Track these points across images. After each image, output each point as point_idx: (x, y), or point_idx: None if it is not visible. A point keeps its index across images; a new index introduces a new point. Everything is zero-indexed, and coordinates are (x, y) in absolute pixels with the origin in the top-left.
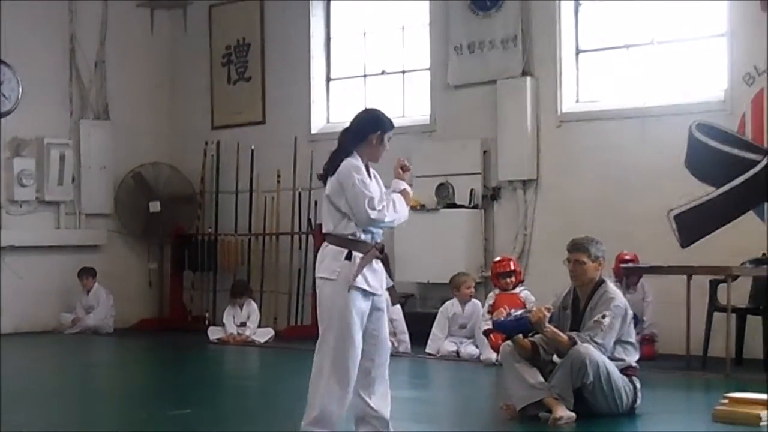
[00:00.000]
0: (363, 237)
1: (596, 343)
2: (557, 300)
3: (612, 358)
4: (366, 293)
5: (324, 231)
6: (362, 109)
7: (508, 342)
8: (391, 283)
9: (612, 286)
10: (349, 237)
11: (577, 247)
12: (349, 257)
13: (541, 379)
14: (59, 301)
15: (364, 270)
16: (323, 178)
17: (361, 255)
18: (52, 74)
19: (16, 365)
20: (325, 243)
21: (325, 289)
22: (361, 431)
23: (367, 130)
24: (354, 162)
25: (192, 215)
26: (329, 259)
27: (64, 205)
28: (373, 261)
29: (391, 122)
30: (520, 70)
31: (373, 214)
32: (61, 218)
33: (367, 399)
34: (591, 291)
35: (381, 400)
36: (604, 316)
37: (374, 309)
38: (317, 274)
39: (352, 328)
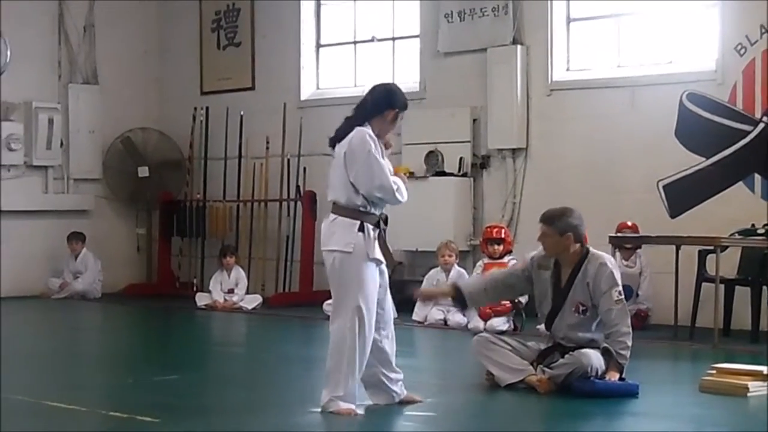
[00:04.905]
0: (372, 209)
1: (628, 346)
2: (536, 255)
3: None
4: (377, 264)
5: (332, 199)
6: (382, 82)
7: (480, 335)
8: (391, 251)
9: (605, 257)
10: (360, 209)
11: (543, 218)
12: (361, 229)
13: (518, 359)
14: (47, 266)
15: (375, 241)
16: (332, 143)
17: (372, 226)
18: (40, 38)
19: (4, 330)
20: (333, 215)
21: (342, 263)
22: (375, 400)
23: (384, 106)
24: (369, 131)
25: (180, 181)
26: (341, 232)
27: (53, 169)
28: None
29: (406, 102)
30: (510, 38)
31: (386, 183)
32: (49, 183)
33: (381, 368)
34: (576, 262)
35: (392, 368)
36: (620, 300)
37: (380, 279)
38: (328, 247)
39: (372, 300)
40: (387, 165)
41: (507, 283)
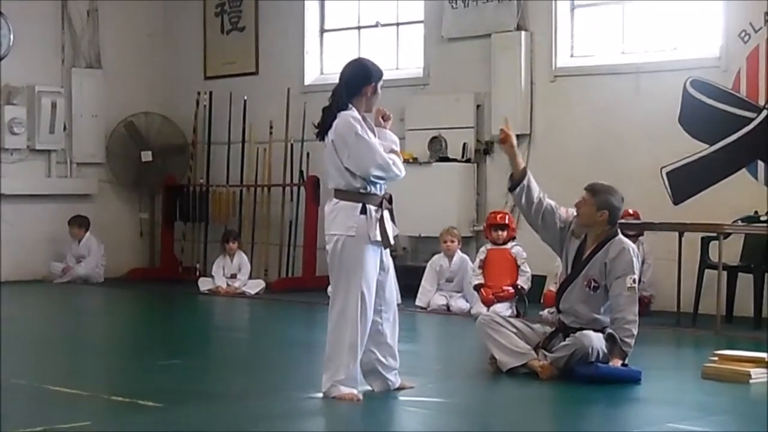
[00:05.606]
0: (373, 189)
1: (633, 335)
2: (574, 221)
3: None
4: (378, 246)
5: (333, 187)
6: (349, 60)
7: (486, 314)
8: (398, 232)
9: (630, 244)
10: (360, 191)
11: (588, 187)
12: (363, 211)
13: (522, 343)
14: (49, 250)
15: (380, 223)
16: (320, 135)
17: (374, 208)
18: (43, 22)
19: (6, 314)
20: (335, 199)
21: (344, 246)
22: (372, 384)
23: (360, 83)
24: (352, 114)
25: (184, 166)
26: (343, 216)
27: (55, 153)
28: (385, 212)
29: (380, 70)
30: (514, 24)
31: (380, 161)
32: (52, 167)
33: (377, 353)
34: (601, 240)
35: (390, 354)
36: (632, 288)
37: (382, 262)
38: (330, 231)
39: (373, 283)
40: (390, 135)
41: (545, 218)
